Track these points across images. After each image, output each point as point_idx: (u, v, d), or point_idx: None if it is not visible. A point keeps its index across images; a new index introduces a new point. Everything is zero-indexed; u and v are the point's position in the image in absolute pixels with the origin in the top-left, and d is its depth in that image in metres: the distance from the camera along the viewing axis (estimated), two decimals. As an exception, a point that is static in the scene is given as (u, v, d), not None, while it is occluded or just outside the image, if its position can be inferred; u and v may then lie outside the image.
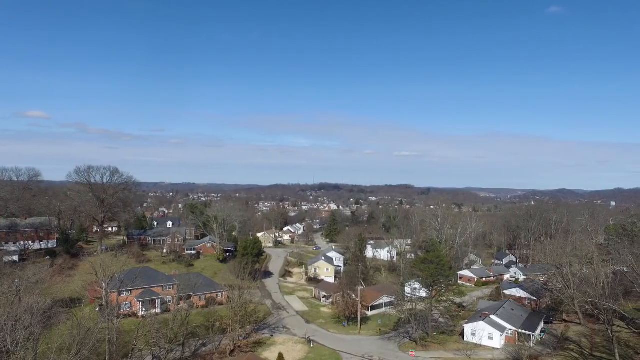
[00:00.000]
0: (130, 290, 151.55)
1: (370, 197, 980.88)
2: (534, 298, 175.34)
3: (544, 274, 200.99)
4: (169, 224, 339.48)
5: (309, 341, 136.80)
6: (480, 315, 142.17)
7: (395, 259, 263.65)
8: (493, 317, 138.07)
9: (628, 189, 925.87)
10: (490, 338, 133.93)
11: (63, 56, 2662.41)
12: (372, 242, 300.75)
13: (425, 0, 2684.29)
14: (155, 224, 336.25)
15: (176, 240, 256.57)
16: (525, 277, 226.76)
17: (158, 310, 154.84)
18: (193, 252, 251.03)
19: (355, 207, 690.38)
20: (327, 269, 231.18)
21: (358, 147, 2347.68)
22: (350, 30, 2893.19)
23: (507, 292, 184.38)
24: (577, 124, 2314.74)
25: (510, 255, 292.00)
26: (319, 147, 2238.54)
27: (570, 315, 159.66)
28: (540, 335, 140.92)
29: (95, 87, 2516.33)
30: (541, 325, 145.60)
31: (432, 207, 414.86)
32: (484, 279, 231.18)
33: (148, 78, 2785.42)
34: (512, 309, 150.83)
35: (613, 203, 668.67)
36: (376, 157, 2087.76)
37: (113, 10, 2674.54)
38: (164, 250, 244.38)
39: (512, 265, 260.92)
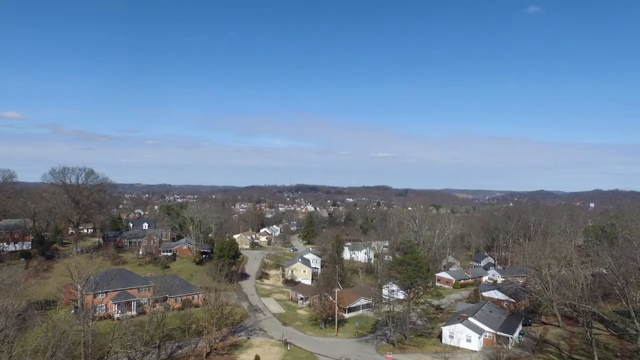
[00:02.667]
0: (106, 292, 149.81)
1: (347, 199, 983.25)
2: (513, 300, 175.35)
3: (522, 276, 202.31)
4: (145, 225, 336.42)
5: (286, 344, 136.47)
6: (458, 317, 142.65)
7: (372, 261, 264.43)
8: (471, 319, 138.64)
9: (607, 190, 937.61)
10: (469, 340, 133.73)
11: (39, 56, 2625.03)
12: (349, 243, 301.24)
13: (401, 0, 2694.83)
14: (131, 225, 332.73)
15: (152, 242, 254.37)
16: (503, 279, 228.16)
17: (134, 313, 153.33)
18: (169, 254, 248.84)
19: (332, 208, 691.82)
20: (304, 271, 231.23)
21: (335, 148, 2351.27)
22: (327, 31, 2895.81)
23: (485, 294, 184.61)
24: (555, 125, 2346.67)
25: (489, 257, 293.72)
26: (295, 148, 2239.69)
27: (549, 317, 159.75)
28: (519, 337, 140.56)
29: (71, 88, 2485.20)
30: (519, 327, 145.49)
31: (409, 208, 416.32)
32: (462, 281, 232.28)
33: (124, 78, 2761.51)
34: (491, 311, 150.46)
35: (592, 204, 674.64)
36: (353, 158, 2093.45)
37: (88, 10, 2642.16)
38: (140, 252, 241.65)
39: (491, 267, 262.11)
